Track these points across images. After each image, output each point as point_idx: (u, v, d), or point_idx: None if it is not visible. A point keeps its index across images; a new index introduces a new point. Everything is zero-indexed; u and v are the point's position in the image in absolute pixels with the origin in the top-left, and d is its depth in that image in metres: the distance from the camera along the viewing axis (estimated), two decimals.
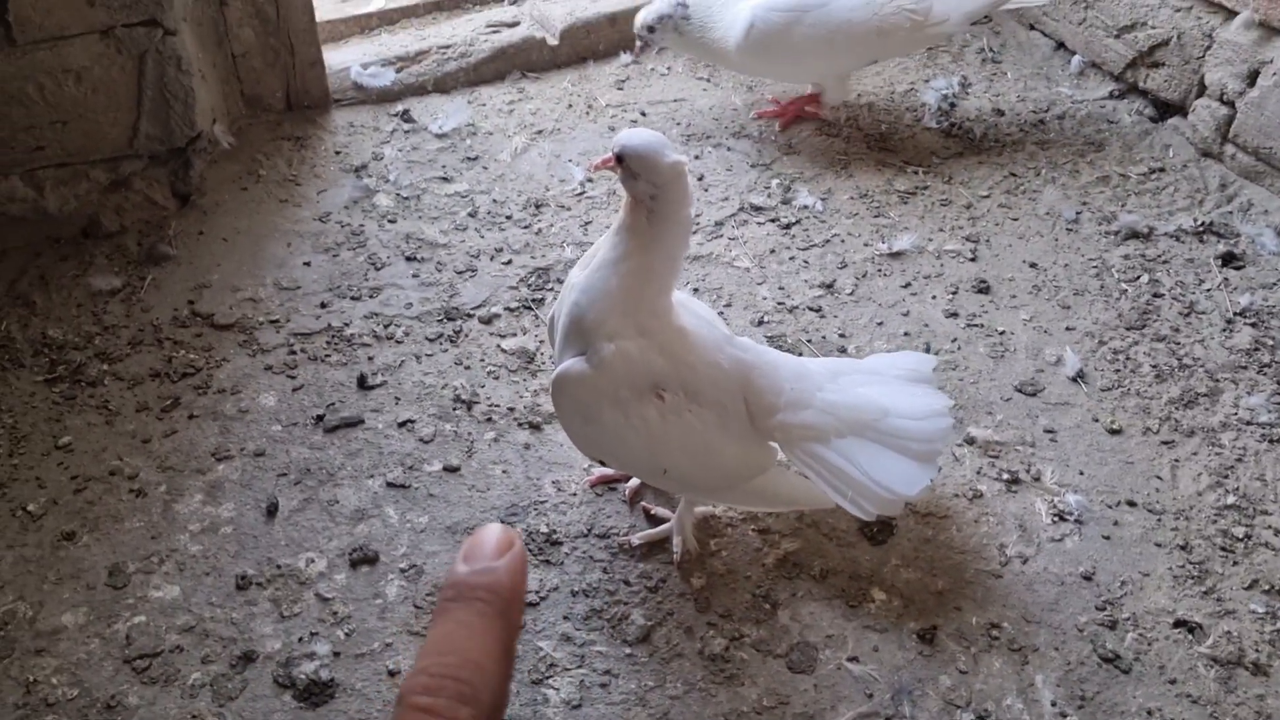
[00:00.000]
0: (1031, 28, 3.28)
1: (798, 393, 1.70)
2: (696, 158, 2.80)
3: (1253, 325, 2.35)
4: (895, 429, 1.72)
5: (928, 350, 2.29)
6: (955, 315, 2.39)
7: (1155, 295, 2.43)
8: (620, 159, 1.58)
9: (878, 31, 2.63)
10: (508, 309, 2.36)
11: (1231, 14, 2.70)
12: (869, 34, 2.64)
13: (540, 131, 2.88)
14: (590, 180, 2.69)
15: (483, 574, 0.53)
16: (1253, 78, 2.65)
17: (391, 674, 1.70)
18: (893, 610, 1.82)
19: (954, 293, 2.44)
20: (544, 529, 1.92)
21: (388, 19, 3.32)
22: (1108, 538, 1.94)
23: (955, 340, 2.33)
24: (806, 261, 2.51)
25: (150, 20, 2.35)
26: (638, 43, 2.72)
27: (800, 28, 2.62)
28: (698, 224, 2.59)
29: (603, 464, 1.95)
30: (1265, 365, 2.26)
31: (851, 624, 1.80)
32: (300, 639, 1.75)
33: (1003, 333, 2.35)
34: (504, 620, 0.52)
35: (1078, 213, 2.66)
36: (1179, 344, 2.31)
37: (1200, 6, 2.76)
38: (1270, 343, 2.31)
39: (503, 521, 1.93)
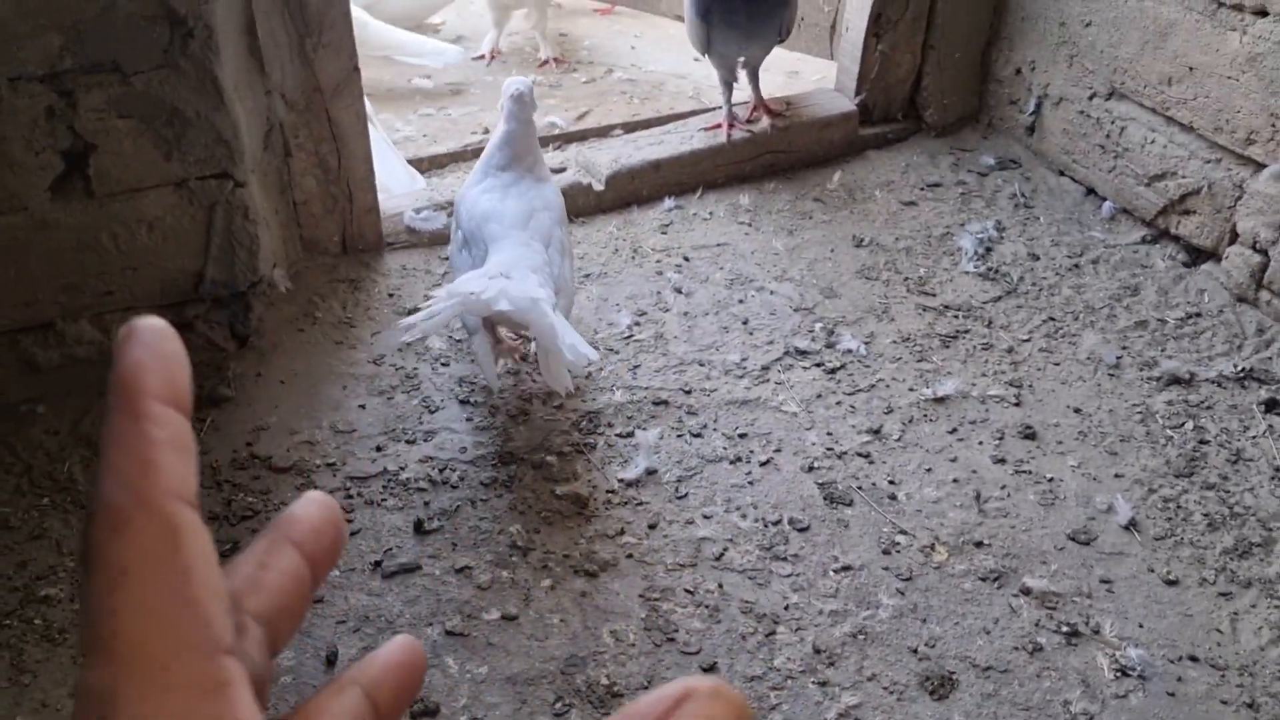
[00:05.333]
0: (1061, 174, 3.37)
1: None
2: (740, 302, 2.87)
3: None
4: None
5: (977, 499, 2.30)
6: (1003, 461, 2.41)
7: (1201, 442, 2.45)
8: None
9: None
10: (559, 454, 2.39)
11: (1260, 166, 2.78)
12: None
13: (587, 275, 2.95)
14: (638, 324, 2.75)
15: None
16: None
17: None
18: None
19: (1000, 438, 2.47)
20: (604, 681, 1.92)
21: (437, 163, 3.44)
22: (1172, 694, 1.92)
23: (1004, 487, 2.34)
24: (853, 407, 2.55)
25: (223, 173, 2.45)
26: None
27: None
28: (744, 369, 2.64)
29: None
30: None
31: None
32: None
33: (1051, 479, 2.36)
34: None
35: (1118, 357, 2.70)
36: (1229, 492, 2.32)
37: (1230, 159, 2.84)
38: None
39: (562, 674, 1.93)
